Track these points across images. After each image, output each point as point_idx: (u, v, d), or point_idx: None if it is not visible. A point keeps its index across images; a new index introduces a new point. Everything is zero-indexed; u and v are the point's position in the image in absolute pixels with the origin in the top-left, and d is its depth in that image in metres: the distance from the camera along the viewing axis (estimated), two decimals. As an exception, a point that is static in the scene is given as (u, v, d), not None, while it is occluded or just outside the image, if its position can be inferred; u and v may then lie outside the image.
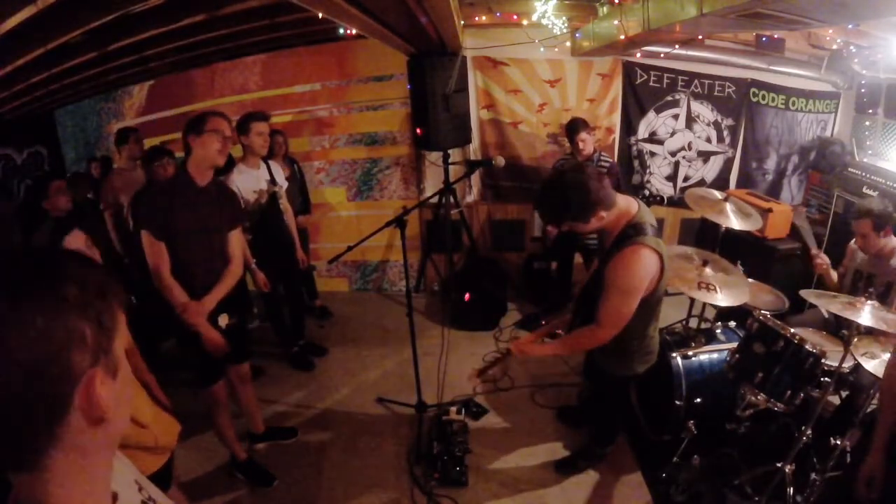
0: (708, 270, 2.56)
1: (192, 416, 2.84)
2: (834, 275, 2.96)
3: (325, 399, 3.39)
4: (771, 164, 4.72)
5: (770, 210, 3.83)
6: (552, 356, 3.22)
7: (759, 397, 2.25)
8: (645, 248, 1.93)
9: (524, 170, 4.70)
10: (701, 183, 4.77)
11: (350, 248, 2.64)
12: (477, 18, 4.07)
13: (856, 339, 2.13)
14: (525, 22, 3.94)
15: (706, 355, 2.68)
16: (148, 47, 3.14)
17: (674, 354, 2.63)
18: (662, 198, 3.14)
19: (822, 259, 2.94)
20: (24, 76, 2.95)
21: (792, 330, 2.27)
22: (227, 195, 2.41)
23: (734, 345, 2.55)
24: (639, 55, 4.31)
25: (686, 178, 4.78)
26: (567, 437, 2.92)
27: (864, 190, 3.60)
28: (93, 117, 5.12)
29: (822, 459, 2.23)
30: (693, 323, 2.97)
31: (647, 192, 3.12)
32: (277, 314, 3.68)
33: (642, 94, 4.52)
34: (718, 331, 2.84)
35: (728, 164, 4.74)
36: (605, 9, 3.34)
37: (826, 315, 2.91)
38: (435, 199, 4.28)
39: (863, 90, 4.20)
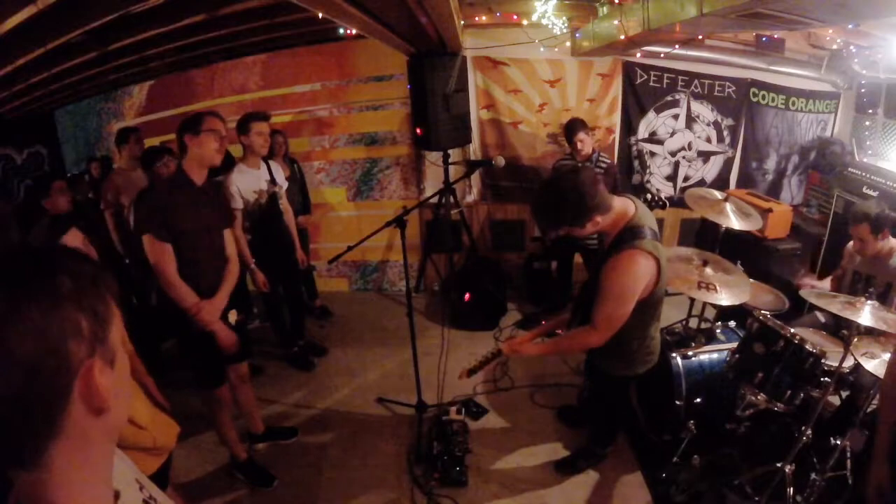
0: (708, 270, 2.56)
1: (192, 417, 2.85)
2: (826, 283, 2.97)
3: (325, 399, 3.39)
4: (771, 164, 4.72)
5: (770, 210, 3.83)
6: (546, 356, 3.22)
7: (759, 397, 2.25)
8: (640, 252, 1.93)
9: (524, 170, 4.70)
10: (701, 183, 4.77)
11: (350, 248, 2.64)
12: (477, 18, 4.07)
13: (856, 339, 2.13)
14: (525, 22, 3.94)
15: (706, 355, 2.68)
16: (148, 47, 3.15)
17: (674, 354, 2.63)
18: (665, 202, 3.13)
19: (805, 282, 2.98)
20: (24, 76, 2.95)
21: (792, 330, 2.27)
22: (221, 194, 2.42)
23: (734, 345, 2.55)
24: (639, 55, 4.31)
25: (686, 178, 4.79)
26: (567, 437, 2.92)
27: (865, 190, 3.59)
28: (93, 117, 5.13)
29: (822, 459, 2.23)
30: (693, 323, 2.97)
31: (649, 196, 3.11)
32: (277, 314, 3.68)
33: (642, 94, 4.52)
34: (718, 331, 2.84)
35: (728, 164, 4.74)
36: (605, 9, 3.34)
37: (823, 319, 2.91)
38: (435, 199, 4.28)
39: (863, 90, 4.20)
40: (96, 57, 2.92)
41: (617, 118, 4.62)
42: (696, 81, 4.46)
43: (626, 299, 1.97)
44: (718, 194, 2.97)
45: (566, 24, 3.92)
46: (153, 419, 1.63)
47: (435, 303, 4.74)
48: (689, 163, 4.74)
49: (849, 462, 2.28)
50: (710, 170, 4.77)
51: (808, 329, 2.72)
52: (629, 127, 4.63)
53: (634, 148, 4.69)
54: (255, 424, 2.87)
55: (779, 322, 2.32)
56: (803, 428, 2.17)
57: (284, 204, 3.37)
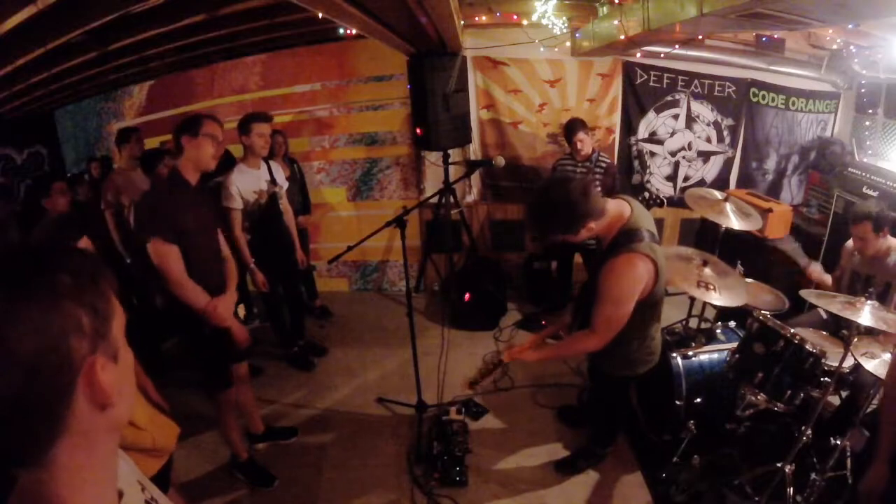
0: (707, 271, 2.56)
1: (192, 417, 2.86)
2: (828, 278, 2.98)
3: (325, 399, 3.38)
4: (771, 164, 4.72)
5: (770, 210, 3.83)
6: (547, 360, 3.23)
7: (759, 397, 2.25)
8: (636, 255, 1.93)
9: (524, 170, 4.70)
10: (701, 183, 4.77)
11: (350, 248, 2.64)
12: (477, 18, 4.07)
13: (856, 339, 2.13)
14: (525, 22, 3.94)
15: (706, 355, 2.68)
16: (148, 47, 3.15)
17: (674, 354, 2.63)
18: (663, 200, 3.13)
19: (814, 269, 3.02)
20: (24, 76, 2.95)
21: (792, 330, 2.27)
22: (212, 195, 2.43)
23: (734, 345, 2.55)
24: (639, 55, 4.30)
25: (686, 178, 4.78)
26: (567, 437, 2.92)
27: (865, 190, 3.59)
28: (93, 117, 5.13)
29: (822, 459, 2.23)
30: (693, 323, 2.97)
31: (647, 195, 3.11)
32: (277, 314, 3.68)
33: (642, 93, 4.52)
34: (718, 331, 2.84)
35: (728, 164, 4.74)
36: (605, 9, 3.34)
37: (825, 316, 2.91)
38: (435, 199, 4.28)
39: (863, 90, 4.20)
40: (96, 57, 2.92)
41: (617, 118, 4.62)
42: (696, 81, 4.46)
43: (624, 302, 1.97)
44: (718, 194, 2.97)
45: (566, 24, 3.92)
46: (152, 420, 1.63)
47: (435, 303, 4.74)
48: (689, 163, 4.73)
49: (849, 462, 2.28)
50: (710, 170, 4.77)
51: (809, 329, 2.72)
52: (629, 127, 4.63)
53: (634, 148, 4.69)
54: (255, 424, 2.87)
55: (779, 322, 2.33)
56: (803, 428, 2.17)
57: (284, 204, 3.37)
